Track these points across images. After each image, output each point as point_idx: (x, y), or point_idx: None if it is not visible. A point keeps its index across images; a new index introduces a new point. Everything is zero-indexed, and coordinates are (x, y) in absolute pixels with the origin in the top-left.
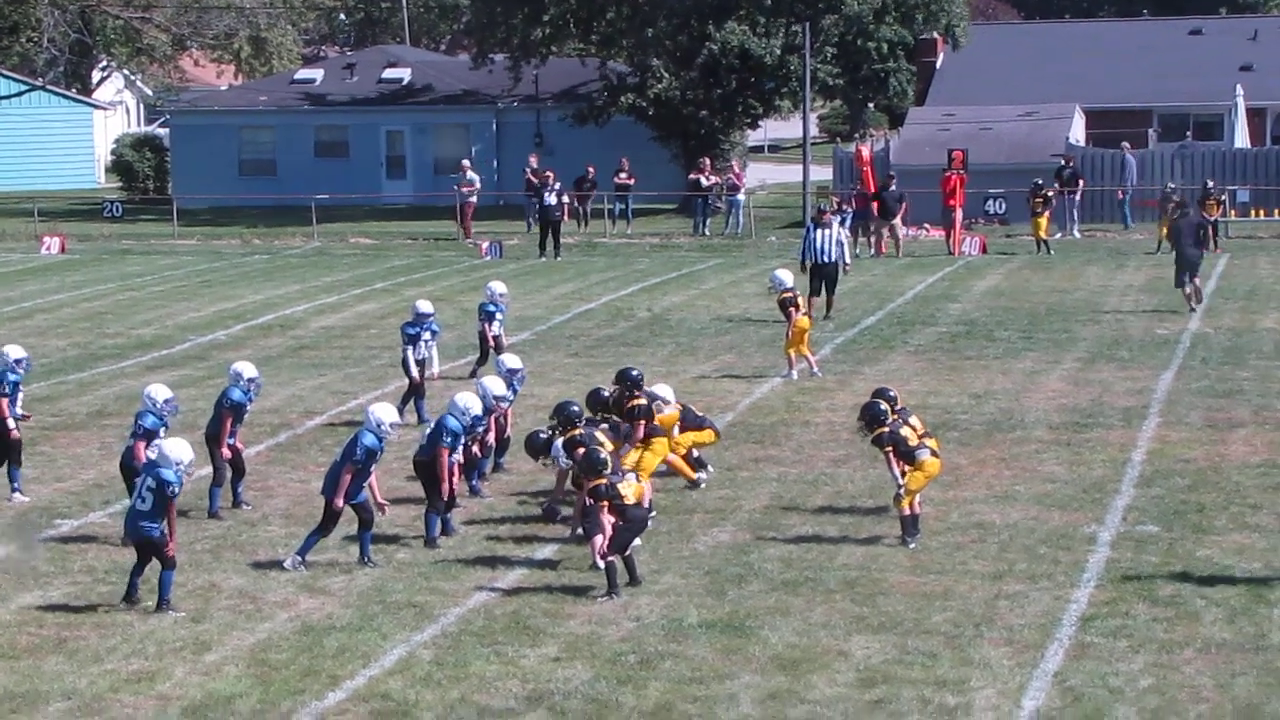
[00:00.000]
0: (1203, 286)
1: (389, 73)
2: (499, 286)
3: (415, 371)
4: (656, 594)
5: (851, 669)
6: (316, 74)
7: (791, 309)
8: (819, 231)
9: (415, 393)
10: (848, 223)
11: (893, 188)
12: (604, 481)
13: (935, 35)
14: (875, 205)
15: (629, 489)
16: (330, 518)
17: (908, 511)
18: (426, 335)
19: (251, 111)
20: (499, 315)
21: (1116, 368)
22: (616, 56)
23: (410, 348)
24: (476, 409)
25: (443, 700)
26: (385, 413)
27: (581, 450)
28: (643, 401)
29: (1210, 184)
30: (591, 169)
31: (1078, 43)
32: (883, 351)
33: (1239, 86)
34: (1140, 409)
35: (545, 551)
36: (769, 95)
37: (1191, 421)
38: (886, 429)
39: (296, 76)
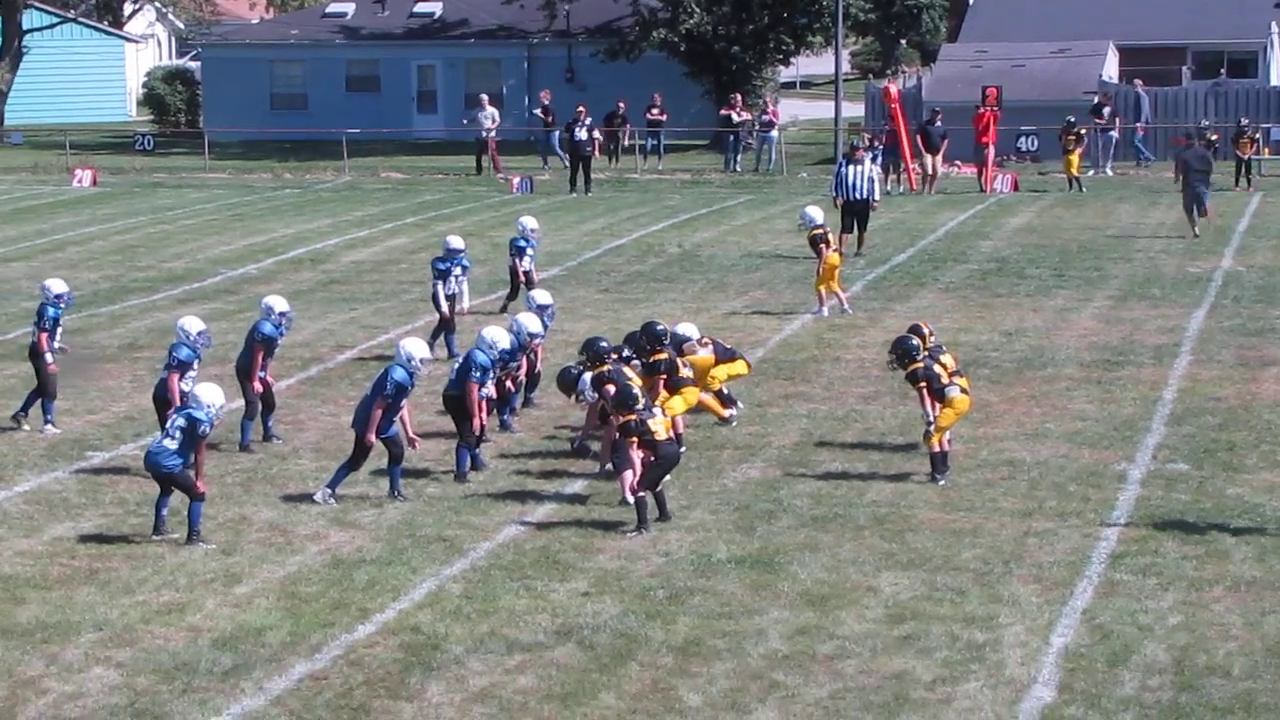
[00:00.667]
0: (1213, 217)
1: (420, 7)
2: (530, 222)
3: (445, 306)
4: (686, 529)
5: (880, 605)
6: (348, 8)
7: (822, 245)
8: (851, 168)
9: (445, 327)
10: (879, 160)
11: (938, 123)
12: (635, 417)
13: None
14: (920, 138)
15: (659, 424)
16: (361, 452)
17: (937, 449)
18: (457, 271)
19: (283, 45)
20: (530, 251)
21: (1148, 306)
22: None
23: (440, 283)
24: (504, 343)
25: (472, 634)
26: (416, 348)
27: (612, 386)
28: (665, 356)
29: (1244, 122)
30: (622, 104)
31: None
32: (914, 288)
33: (1274, 24)
34: (1171, 347)
35: (575, 487)
36: (801, 31)
37: (1223, 360)
38: (920, 365)
39: (328, 10)
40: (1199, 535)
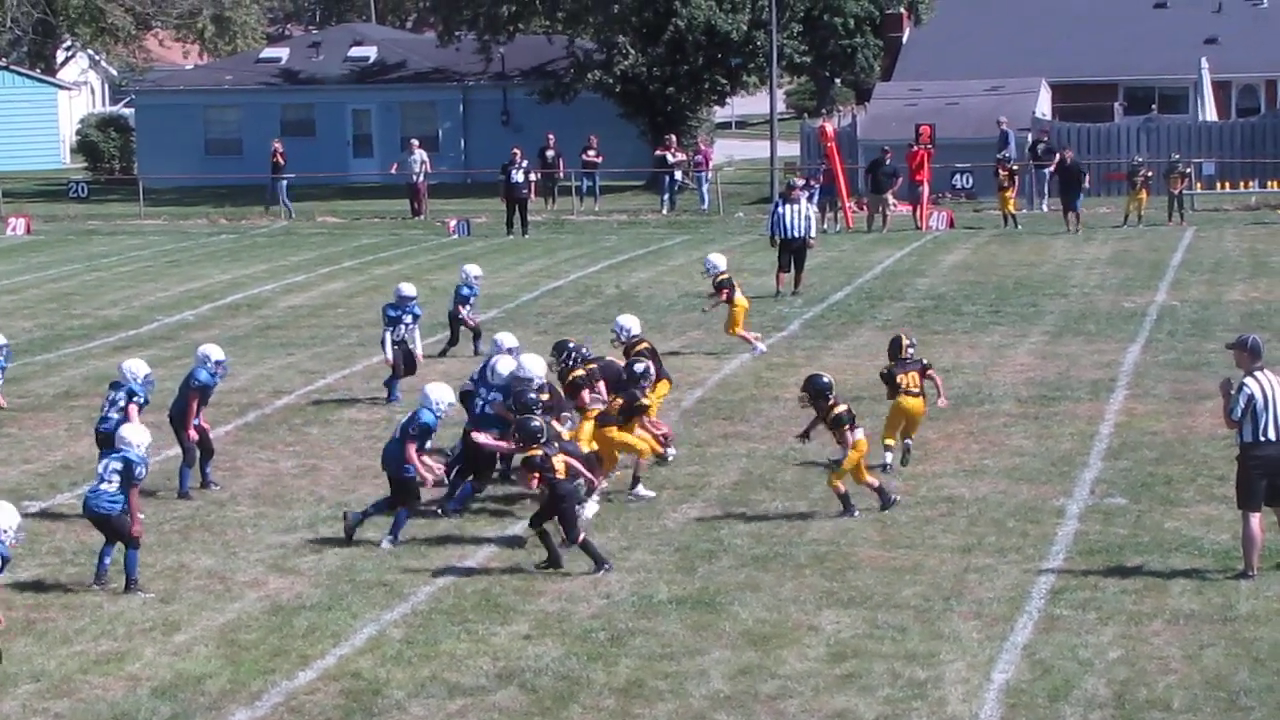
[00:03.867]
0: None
1: (355, 51)
2: (474, 269)
3: (391, 353)
4: (627, 570)
5: (822, 643)
6: (282, 52)
7: (726, 290)
8: (787, 207)
9: (394, 374)
10: (815, 199)
11: (888, 162)
12: (537, 452)
13: (901, 10)
14: (870, 177)
15: (559, 462)
16: (406, 491)
17: (840, 489)
18: (408, 319)
19: (217, 91)
20: (472, 299)
21: (1084, 341)
22: (583, 33)
23: (390, 330)
24: (449, 399)
25: (413, 678)
26: (441, 393)
27: (517, 420)
28: (581, 373)
29: (1176, 157)
30: (551, 136)
31: (1043, 16)
32: (851, 326)
33: (1204, 60)
34: (1108, 382)
35: (515, 529)
36: (736, 71)
37: (1159, 394)
38: (840, 409)
39: (262, 55)
40: (1137, 569)
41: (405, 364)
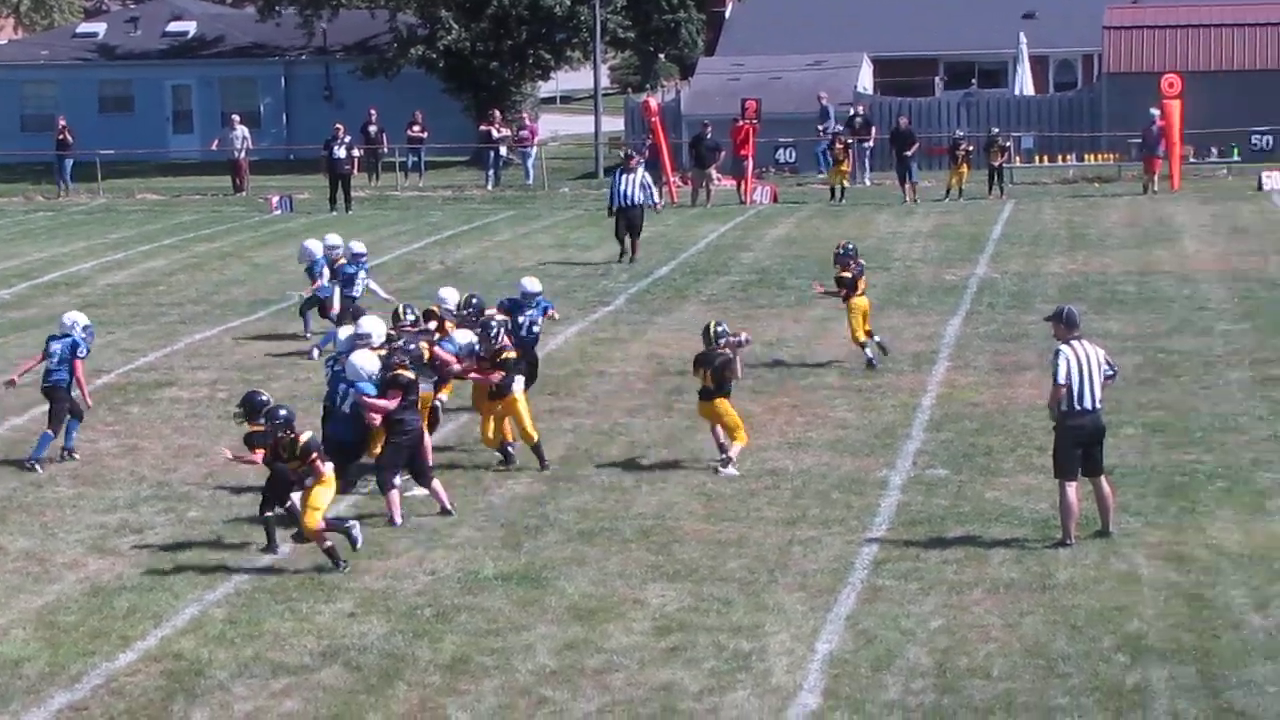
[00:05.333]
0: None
1: (174, 25)
2: (358, 245)
3: (339, 303)
4: (451, 547)
5: (648, 617)
6: (99, 27)
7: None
8: (624, 176)
9: (338, 323)
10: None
11: (708, 136)
12: (260, 428)
13: None
14: (692, 152)
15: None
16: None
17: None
18: (362, 274)
19: (33, 66)
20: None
21: (906, 314)
22: (406, 8)
23: (346, 286)
24: (373, 366)
25: (236, 658)
26: (368, 361)
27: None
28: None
29: (995, 131)
30: (374, 112)
31: None
32: (676, 301)
33: (1022, 34)
34: (929, 354)
35: (339, 508)
36: (560, 46)
37: (979, 366)
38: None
39: (79, 30)
40: (959, 539)
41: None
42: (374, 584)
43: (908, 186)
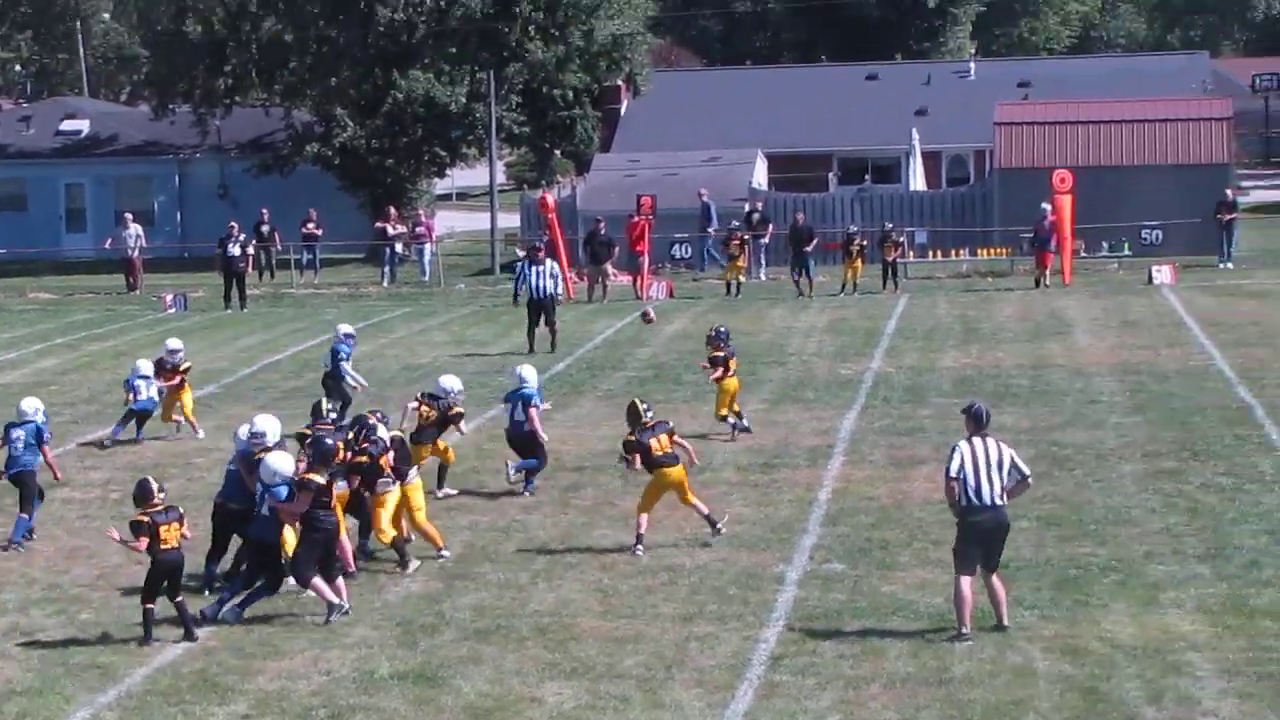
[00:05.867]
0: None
1: (67, 124)
2: (346, 327)
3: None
4: (347, 646)
5: (544, 716)
6: None
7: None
8: (533, 268)
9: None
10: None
11: (603, 232)
12: (146, 519)
13: (619, 82)
14: (588, 249)
15: (171, 532)
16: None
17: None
18: (345, 356)
19: None
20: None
21: (802, 408)
22: (301, 105)
23: (347, 364)
24: (288, 468)
25: None
26: (283, 463)
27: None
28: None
29: (889, 226)
30: (265, 211)
31: (759, 89)
32: (573, 397)
33: (914, 130)
34: (825, 448)
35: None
36: (455, 143)
37: (875, 460)
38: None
39: None
40: (855, 634)
41: (342, 398)
42: (268, 685)
43: (804, 281)
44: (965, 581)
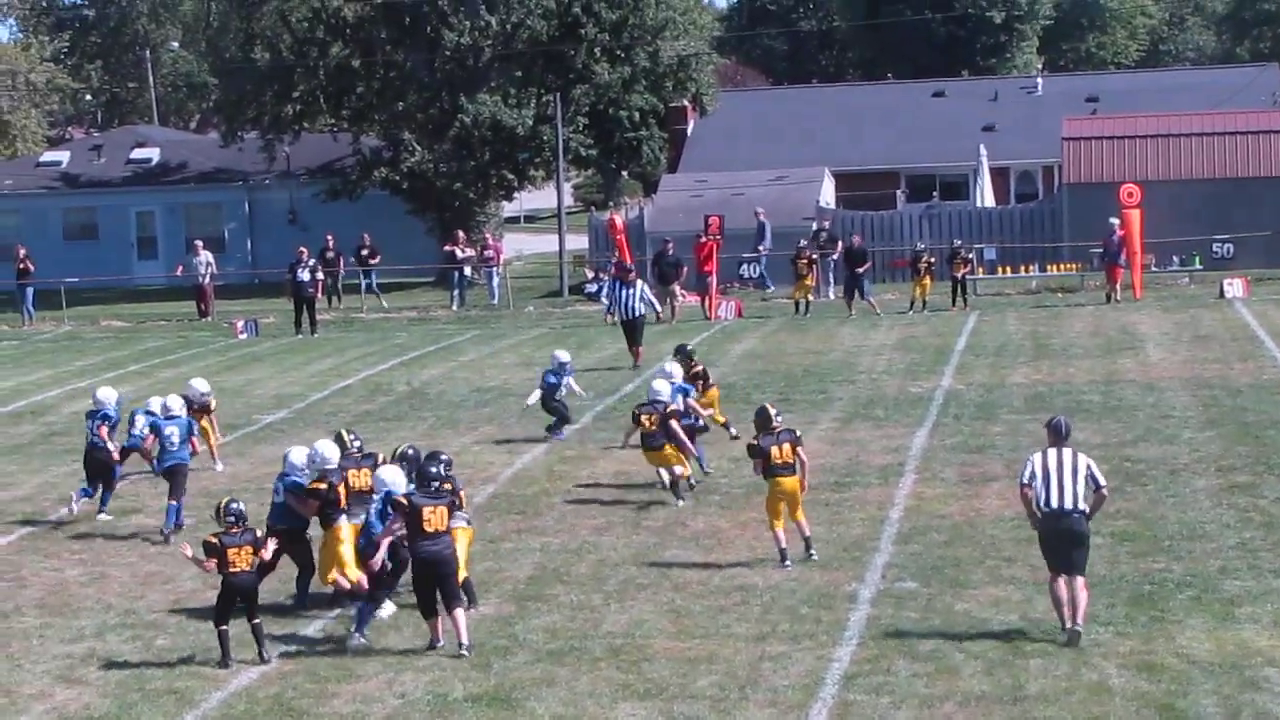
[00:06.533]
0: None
1: (138, 152)
2: (563, 354)
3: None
4: (421, 669)
5: None
6: (63, 156)
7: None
8: (626, 290)
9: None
10: (602, 291)
11: (670, 253)
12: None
13: (685, 103)
14: (655, 269)
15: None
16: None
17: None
18: (569, 379)
19: None
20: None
21: (872, 426)
22: (369, 130)
23: (546, 389)
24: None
25: None
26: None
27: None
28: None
29: (958, 242)
30: (330, 237)
31: (825, 107)
32: None
33: (982, 147)
34: (896, 466)
35: (309, 630)
36: (522, 166)
37: (946, 477)
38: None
39: (42, 159)
40: (929, 652)
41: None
42: (343, 708)
43: (863, 302)
44: (1055, 583)
